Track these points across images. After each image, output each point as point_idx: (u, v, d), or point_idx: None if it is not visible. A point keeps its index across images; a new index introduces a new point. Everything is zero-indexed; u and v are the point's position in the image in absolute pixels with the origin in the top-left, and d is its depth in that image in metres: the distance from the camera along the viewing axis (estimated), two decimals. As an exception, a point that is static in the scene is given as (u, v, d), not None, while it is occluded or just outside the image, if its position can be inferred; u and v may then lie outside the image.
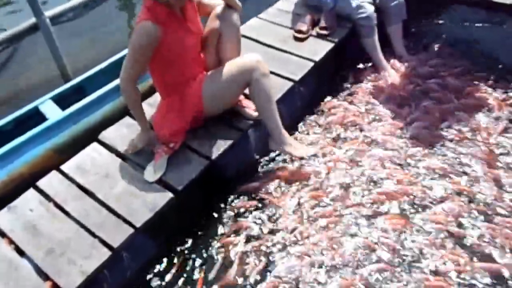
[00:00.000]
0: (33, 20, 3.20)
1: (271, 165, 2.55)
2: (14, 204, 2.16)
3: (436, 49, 3.22)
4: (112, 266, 1.98)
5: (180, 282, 2.09)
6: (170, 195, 2.13)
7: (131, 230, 2.02)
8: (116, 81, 2.87)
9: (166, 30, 2.06)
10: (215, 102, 2.35)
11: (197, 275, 2.10)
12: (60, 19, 3.28)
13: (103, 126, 2.60)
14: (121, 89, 2.19)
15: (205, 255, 2.17)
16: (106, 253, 1.95)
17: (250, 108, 2.46)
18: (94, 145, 2.42)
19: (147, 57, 2.11)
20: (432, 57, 3.15)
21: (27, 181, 2.45)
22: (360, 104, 2.87)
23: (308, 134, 2.72)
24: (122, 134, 2.46)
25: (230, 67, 2.30)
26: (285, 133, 2.40)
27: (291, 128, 2.69)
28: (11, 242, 2.02)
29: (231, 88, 2.33)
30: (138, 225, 2.03)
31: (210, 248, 2.20)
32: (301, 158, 2.45)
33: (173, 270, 2.13)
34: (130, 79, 2.15)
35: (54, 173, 2.28)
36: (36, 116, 2.72)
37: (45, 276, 1.89)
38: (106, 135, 2.46)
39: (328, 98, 2.96)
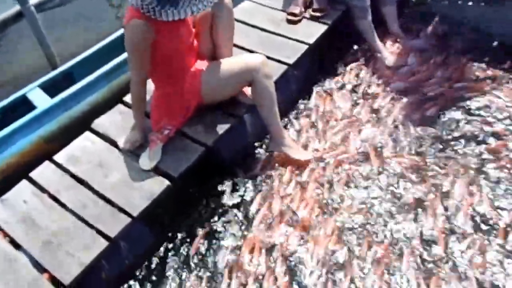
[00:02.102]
0: (17, 8, 3.15)
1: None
2: (6, 196, 2.15)
3: (430, 29, 3.23)
4: (110, 256, 1.99)
5: (179, 269, 2.12)
6: (166, 182, 2.14)
7: (128, 220, 2.03)
8: (106, 67, 2.85)
9: (156, 23, 2.01)
10: (214, 96, 2.35)
11: (197, 263, 2.13)
12: (46, 6, 3.23)
13: (94, 114, 2.58)
14: (130, 89, 2.19)
15: (204, 244, 2.19)
16: (103, 244, 1.96)
17: (246, 93, 2.46)
18: (87, 134, 2.40)
19: (147, 55, 2.08)
20: (427, 37, 3.17)
21: (17, 171, 2.45)
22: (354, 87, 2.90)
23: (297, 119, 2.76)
24: (115, 122, 2.45)
25: (233, 64, 2.30)
26: (285, 134, 2.44)
27: (286, 112, 2.72)
28: (6, 235, 2.01)
29: (231, 85, 2.34)
30: (135, 214, 2.04)
31: (208, 235, 2.22)
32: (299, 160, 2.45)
33: (171, 258, 2.15)
34: (138, 81, 2.14)
35: (46, 164, 2.27)
36: (24, 105, 2.69)
37: (42, 268, 1.90)
38: (99, 123, 2.45)
39: (322, 82, 2.97)
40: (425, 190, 2.26)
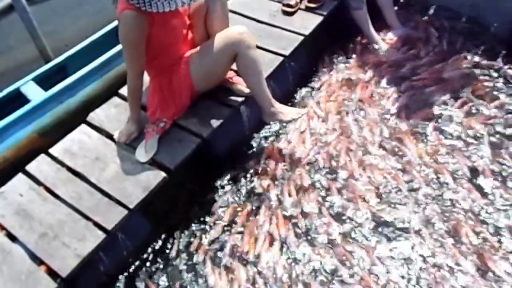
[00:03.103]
0: (8, 0, 3.16)
1: (263, 141, 2.61)
2: (2, 190, 2.16)
3: (426, 19, 3.26)
4: (108, 248, 2.01)
5: (176, 260, 2.15)
6: (163, 174, 2.16)
7: (125, 212, 2.05)
8: (100, 60, 2.85)
9: (149, 15, 2.01)
10: (205, 79, 2.35)
11: (193, 254, 2.16)
12: (37, -2, 3.24)
13: (88, 106, 2.59)
14: (127, 82, 2.20)
15: (199, 233, 2.23)
16: (100, 236, 1.98)
17: (241, 84, 2.48)
18: (83, 127, 2.42)
19: (141, 47, 2.08)
20: (422, 27, 3.21)
21: (12, 165, 2.45)
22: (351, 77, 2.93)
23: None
24: (111, 114, 2.46)
25: (215, 42, 2.28)
26: (275, 103, 2.40)
27: (283, 103, 2.72)
28: (2, 228, 2.03)
29: (218, 64, 2.33)
30: (131, 206, 2.06)
31: (204, 226, 2.25)
32: (293, 120, 2.45)
33: (168, 249, 2.18)
34: (134, 74, 2.16)
35: (42, 157, 2.28)
36: (18, 98, 2.68)
37: (39, 261, 1.92)
38: (94, 116, 2.46)
39: (319, 73, 3.01)
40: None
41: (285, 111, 2.41)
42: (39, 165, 2.25)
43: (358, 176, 2.36)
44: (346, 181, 2.35)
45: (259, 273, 2.04)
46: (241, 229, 2.22)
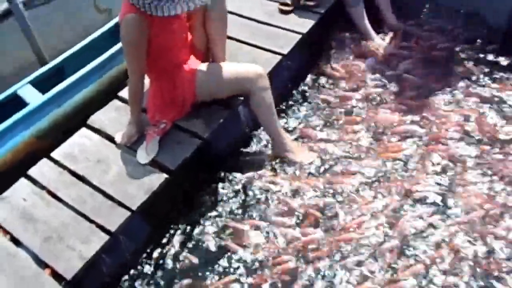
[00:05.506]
0: (5, 5, 3.23)
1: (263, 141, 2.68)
2: (5, 195, 2.23)
3: (422, 15, 3.33)
4: (111, 250, 2.08)
5: (177, 261, 2.22)
6: (164, 175, 2.23)
7: (128, 213, 2.12)
8: (97, 61, 2.93)
9: (151, 18, 2.08)
10: (208, 96, 2.45)
11: (193, 254, 2.23)
12: (34, 2, 3.29)
13: (86, 109, 2.66)
14: (128, 86, 2.28)
15: (200, 236, 2.30)
16: (104, 237, 2.05)
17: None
18: (83, 130, 2.49)
19: (143, 49, 2.15)
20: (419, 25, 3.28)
21: (11, 169, 2.53)
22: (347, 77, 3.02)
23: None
24: (111, 117, 2.53)
25: (230, 72, 2.38)
26: (286, 139, 2.53)
27: (280, 102, 2.81)
28: (7, 232, 2.10)
29: (226, 91, 2.44)
30: (134, 207, 2.13)
31: (205, 226, 2.33)
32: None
33: (170, 250, 2.25)
34: (135, 76, 2.23)
35: (44, 161, 2.35)
36: (16, 102, 2.76)
37: (44, 264, 1.99)
38: (95, 119, 2.53)
39: (316, 71, 3.08)
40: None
41: (296, 151, 2.53)
42: (41, 169, 2.32)
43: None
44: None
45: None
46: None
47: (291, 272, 2.10)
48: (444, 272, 2.00)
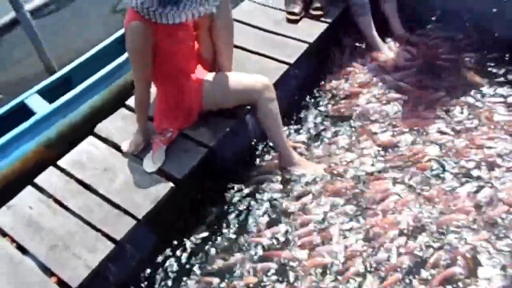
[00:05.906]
0: (12, 14, 3.27)
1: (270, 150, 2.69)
2: (12, 203, 2.24)
3: (429, 25, 3.33)
4: (117, 258, 2.08)
5: (183, 270, 2.22)
6: (170, 184, 2.24)
7: (134, 222, 2.12)
8: (104, 70, 2.95)
9: (157, 26, 2.08)
10: (214, 106, 2.47)
11: (199, 264, 2.24)
12: (41, 12, 3.34)
13: (94, 118, 2.67)
14: (135, 95, 2.29)
15: (205, 245, 2.31)
16: (109, 246, 2.05)
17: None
18: (90, 138, 2.50)
19: (148, 57, 2.16)
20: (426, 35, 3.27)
21: (19, 178, 2.55)
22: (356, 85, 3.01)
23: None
24: (118, 126, 2.54)
25: (237, 82, 2.40)
26: (292, 153, 2.54)
27: (288, 112, 2.80)
28: (13, 240, 2.11)
29: (232, 101, 2.46)
30: (140, 216, 2.14)
31: (212, 236, 2.33)
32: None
33: (176, 260, 2.25)
34: (141, 84, 2.24)
35: (51, 169, 2.37)
36: (23, 111, 2.78)
37: (50, 272, 2.00)
38: (102, 127, 2.55)
39: (323, 81, 3.08)
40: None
41: (302, 164, 2.54)
42: (48, 178, 2.33)
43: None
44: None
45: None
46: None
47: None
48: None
